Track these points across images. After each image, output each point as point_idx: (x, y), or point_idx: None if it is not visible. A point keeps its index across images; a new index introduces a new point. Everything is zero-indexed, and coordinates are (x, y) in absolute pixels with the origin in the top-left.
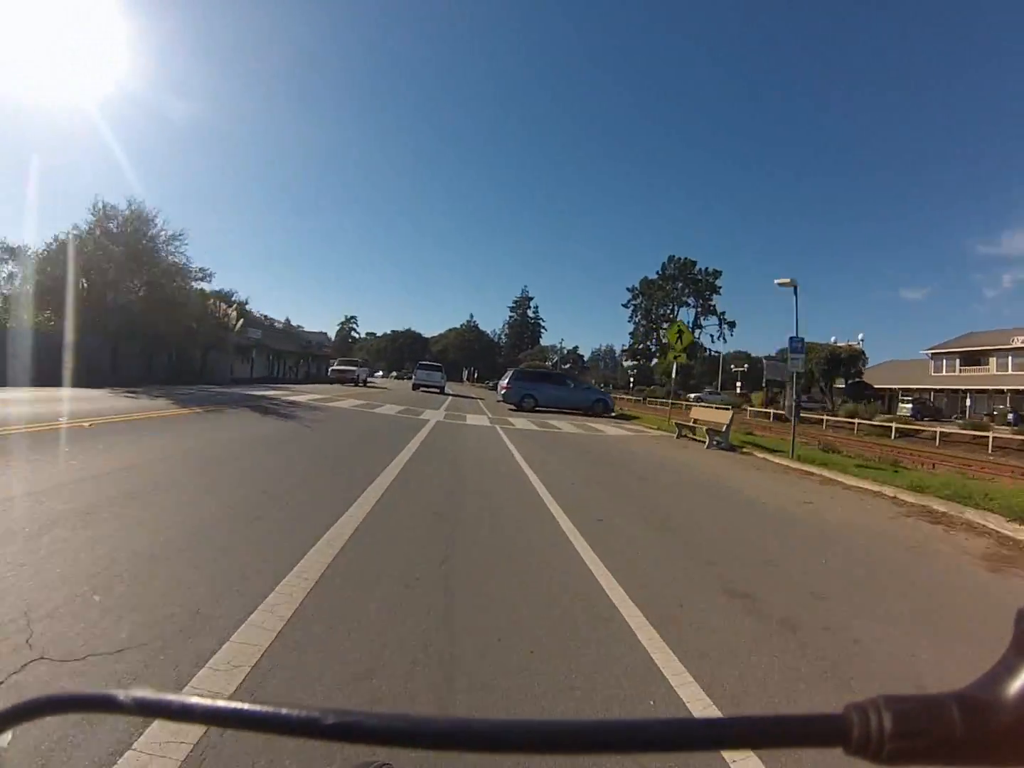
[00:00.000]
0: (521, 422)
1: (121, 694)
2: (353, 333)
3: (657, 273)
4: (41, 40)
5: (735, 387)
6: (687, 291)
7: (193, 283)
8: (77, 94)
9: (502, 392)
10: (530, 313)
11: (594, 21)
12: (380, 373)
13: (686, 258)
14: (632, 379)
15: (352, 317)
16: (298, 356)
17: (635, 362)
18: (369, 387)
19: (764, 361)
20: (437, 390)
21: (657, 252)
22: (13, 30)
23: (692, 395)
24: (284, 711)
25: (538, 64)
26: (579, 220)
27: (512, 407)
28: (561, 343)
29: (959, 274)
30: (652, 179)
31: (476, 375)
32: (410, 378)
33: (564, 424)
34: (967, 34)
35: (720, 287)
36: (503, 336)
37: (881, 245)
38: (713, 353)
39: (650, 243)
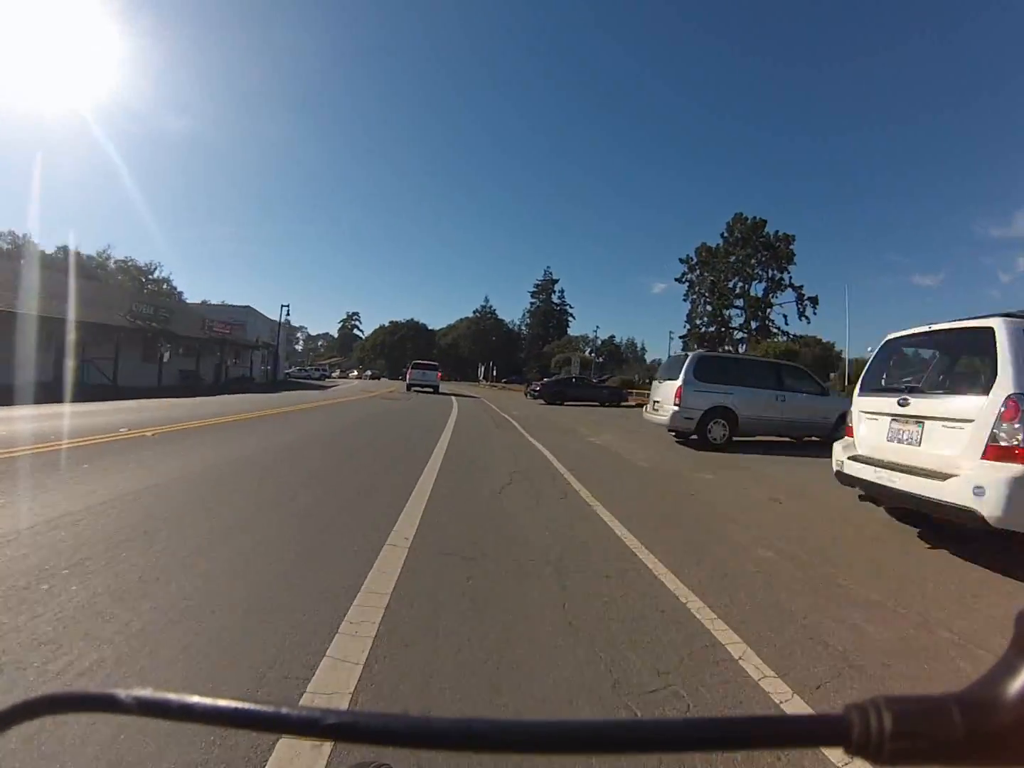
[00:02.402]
0: None
1: (122, 693)
2: (356, 331)
3: (722, 236)
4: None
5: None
6: (758, 259)
7: None
8: (77, 104)
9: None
10: (555, 299)
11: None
12: (354, 373)
13: (756, 217)
14: None
15: (354, 313)
16: (142, 339)
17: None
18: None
19: None
20: (431, 390)
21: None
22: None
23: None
24: (284, 710)
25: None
26: (604, 194)
27: None
28: (596, 332)
29: (973, 258)
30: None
31: (495, 372)
32: (389, 377)
33: None
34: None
35: (795, 255)
36: (524, 327)
37: (891, 230)
38: (793, 336)
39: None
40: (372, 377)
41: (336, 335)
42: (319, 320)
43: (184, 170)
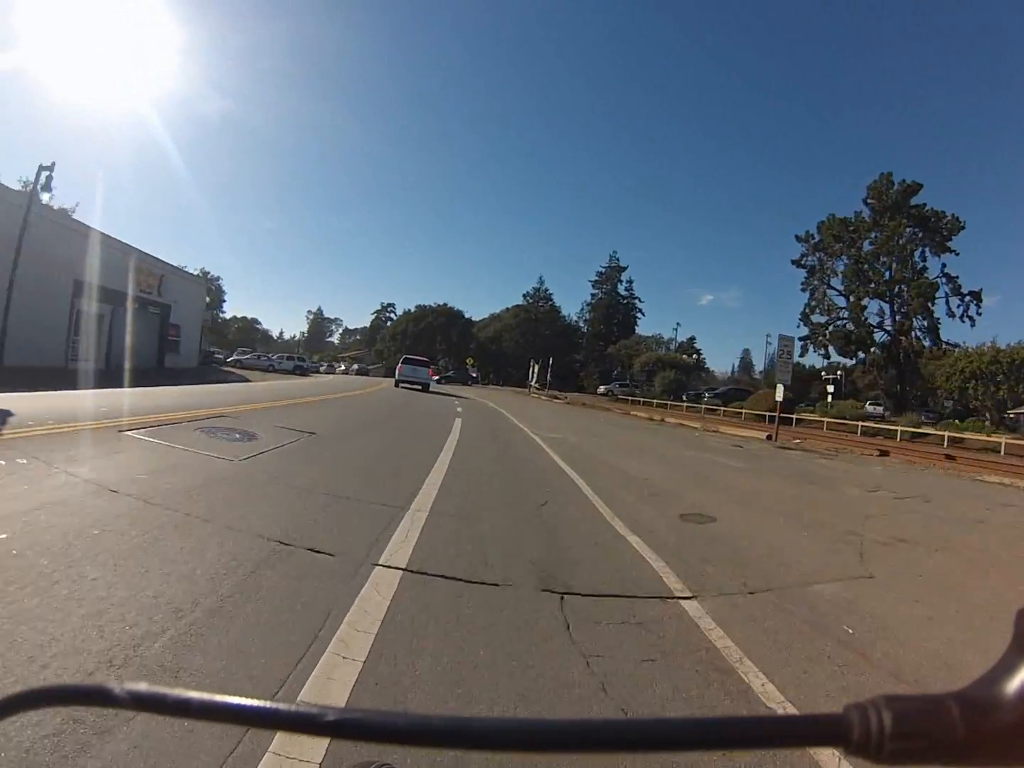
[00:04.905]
0: None
1: (116, 687)
2: (389, 322)
3: (865, 203)
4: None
5: None
6: (903, 239)
7: None
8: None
9: None
10: (622, 290)
11: None
12: (341, 367)
13: (907, 181)
14: (831, 392)
15: (389, 304)
16: None
17: (851, 358)
18: None
19: None
20: (420, 387)
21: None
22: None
23: None
24: (282, 707)
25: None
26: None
27: None
28: (676, 329)
29: None
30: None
31: (549, 374)
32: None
33: None
34: None
35: (961, 228)
36: (583, 322)
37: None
38: (949, 346)
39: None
40: (360, 372)
41: (367, 325)
42: (361, 314)
43: (224, 154)
